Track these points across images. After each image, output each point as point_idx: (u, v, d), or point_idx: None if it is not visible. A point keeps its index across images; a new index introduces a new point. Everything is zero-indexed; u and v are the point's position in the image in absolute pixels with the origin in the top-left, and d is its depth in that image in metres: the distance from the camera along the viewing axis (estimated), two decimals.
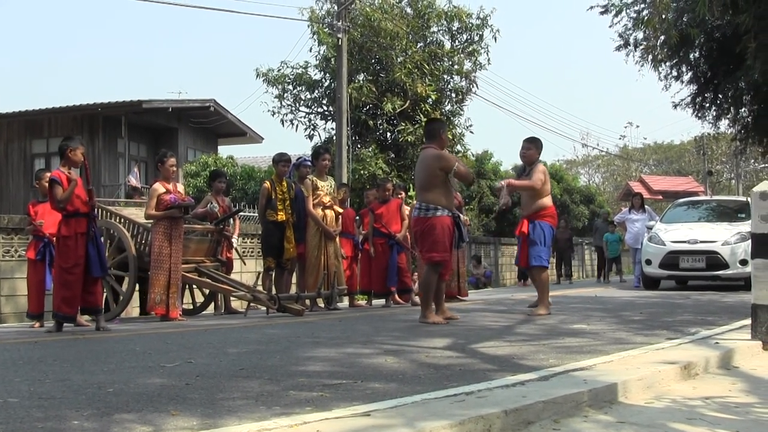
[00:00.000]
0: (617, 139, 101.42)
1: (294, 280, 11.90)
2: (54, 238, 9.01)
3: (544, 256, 9.19)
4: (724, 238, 14.46)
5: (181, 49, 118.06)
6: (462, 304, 11.28)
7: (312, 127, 24.48)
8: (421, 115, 22.72)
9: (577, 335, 6.88)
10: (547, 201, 9.29)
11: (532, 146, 9.51)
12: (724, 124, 20.07)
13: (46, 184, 8.92)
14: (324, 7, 23.49)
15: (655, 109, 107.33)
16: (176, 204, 9.98)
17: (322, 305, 11.13)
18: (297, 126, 24.33)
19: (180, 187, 10.51)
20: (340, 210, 11.46)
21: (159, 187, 10.05)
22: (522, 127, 56.64)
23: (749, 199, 6.79)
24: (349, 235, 12.25)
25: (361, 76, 23.41)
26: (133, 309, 12.26)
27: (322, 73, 24.10)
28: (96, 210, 8.95)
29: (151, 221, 10.17)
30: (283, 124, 24.22)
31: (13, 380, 4.67)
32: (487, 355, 5.61)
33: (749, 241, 6.86)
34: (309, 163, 11.45)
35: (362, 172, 21.60)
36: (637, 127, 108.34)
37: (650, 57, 15.77)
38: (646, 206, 18.20)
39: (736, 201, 18.11)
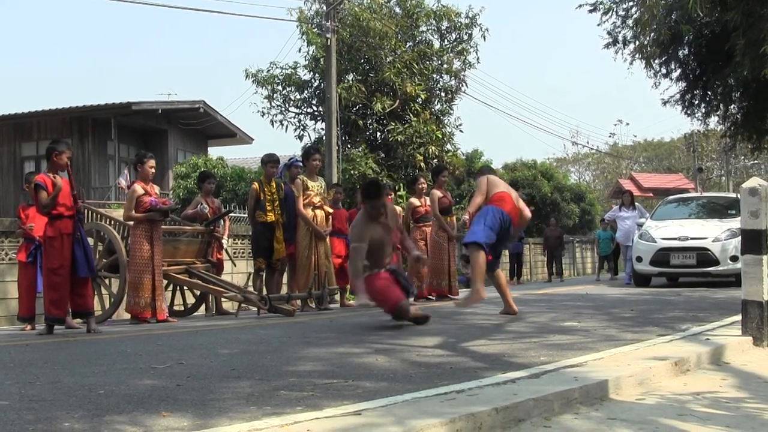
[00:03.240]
0: (607, 136, 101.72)
1: (285, 280, 11.88)
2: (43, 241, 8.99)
3: (478, 231, 8.30)
4: (715, 234, 14.48)
5: (170, 50, 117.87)
6: (453, 303, 11.29)
7: (302, 127, 24.48)
8: (411, 115, 22.74)
9: (567, 332, 6.89)
10: (499, 196, 8.74)
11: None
12: (713, 120, 20.10)
13: None
14: (313, 7, 23.50)
15: (645, 106, 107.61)
16: (157, 207, 9.95)
17: (313, 305, 11.12)
18: (287, 127, 24.34)
19: (156, 189, 10.47)
20: (331, 210, 11.45)
21: (138, 189, 10.01)
22: (512, 126, 56.74)
23: (739, 196, 6.80)
24: (342, 234, 12.23)
25: (350, 76, 23.40)
26: (124, 311, 12.24)
27: (312, 73, 24.09)
28: (83, 212, 8.93)
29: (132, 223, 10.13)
30: (272, 124, 24.22)
31: (3, 383, 4.66)
32: (478, 353, 5.61)
33: (739, 237, 6.86)
34: (299, 164, 11.44)
35: (352, 172, 21.58)
36: (627, 124, 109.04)
37: (639, 55, 15.77)
38: (636, 203, 18.24)
39: (726, 197, 18.14)
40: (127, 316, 10.36)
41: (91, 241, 9.92)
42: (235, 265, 14.38)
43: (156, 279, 9.95)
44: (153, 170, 10.26)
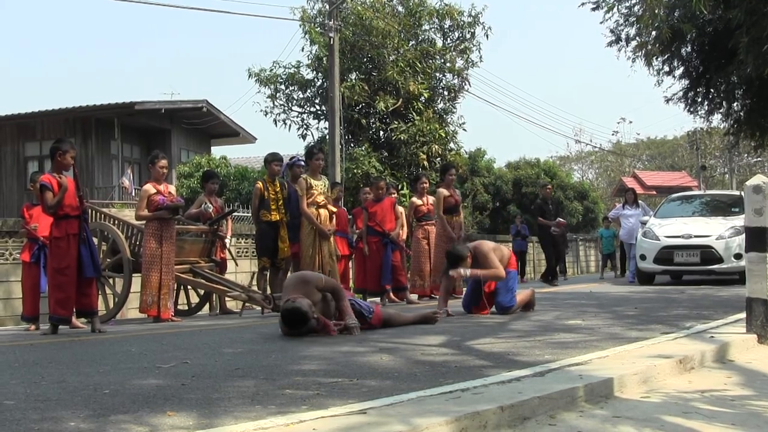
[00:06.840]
0: (610, 134, 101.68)
1: None
2: (48, 241, 9.00)
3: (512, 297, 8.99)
4: (719, 232, 14.45)
5: (173, 49, 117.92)
6: (457, 302, 11.28)
7: (305, 126, 24.53)
8: (414, 114, 22.75)
9: (572, 331, 6.89)
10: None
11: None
12: (716, 118, 20.03)
13: None
14: (315, 6, 23.55)
15: (648, 104, 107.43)
16: (165, 206, 9.97)
17: None
18: (290, 126, 24.38)
19: (172, 188, 10.50)
20: (334, 209, 11.44)
21: (150, 188, 10.06)
22: (515, 124, 56.79)
23: (743, 193, 6.80)
24: (343, 233, 12.24)
25: (353, 75, 23.42)
26: (129, 310, 12.26)
27: (315, 72, 24.12)
28: (88, 212, 8.94)
29: (144, 223, 10.17)
30: (276, 124, 24.28)
31: (9, 383, 4.66)
32: (483, 352, 5.61)
33: (743, 235, 6.85)
34: (302, 163, 11.45)
35: (355, 171, 21.61)
36: (630, 122, 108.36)
37: (641, 52, 15.76)
38: (639, 201, 18.20)
39: (730, 195, 18.12)
40: (131, 315, 10.38)
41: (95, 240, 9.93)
42: (237, 265, 14.38)
43: (163, 277, 9.97)
44: (165, 170, 10.29)
